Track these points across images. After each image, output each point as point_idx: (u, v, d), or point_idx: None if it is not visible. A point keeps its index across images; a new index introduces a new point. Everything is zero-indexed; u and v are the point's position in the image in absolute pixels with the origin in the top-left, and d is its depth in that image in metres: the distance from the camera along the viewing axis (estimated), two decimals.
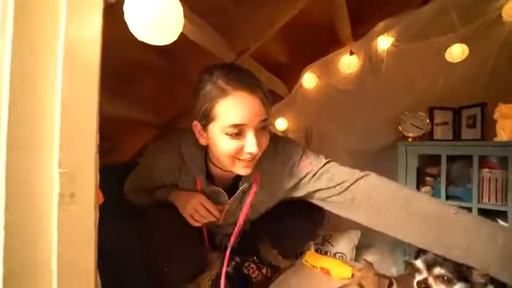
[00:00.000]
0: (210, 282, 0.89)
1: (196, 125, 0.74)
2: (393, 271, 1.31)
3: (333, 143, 1.62)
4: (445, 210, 0.63)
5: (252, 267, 1.13)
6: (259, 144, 0.68)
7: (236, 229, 0.88)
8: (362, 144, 1.58)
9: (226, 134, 0.67)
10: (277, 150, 0.83)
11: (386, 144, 1.55)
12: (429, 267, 0.56)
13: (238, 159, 0.71)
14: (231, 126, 0.66)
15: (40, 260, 0.37)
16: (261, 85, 0.69)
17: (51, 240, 0.41)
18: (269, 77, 1.48)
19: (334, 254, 1.41)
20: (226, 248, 1.13)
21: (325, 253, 1.41)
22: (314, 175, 0.79)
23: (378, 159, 1.57)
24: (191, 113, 0.89)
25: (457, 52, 1.32)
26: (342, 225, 1.51)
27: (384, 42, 1.43)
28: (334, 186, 0.76)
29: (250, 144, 0.67)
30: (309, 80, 1.59)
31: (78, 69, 0.43)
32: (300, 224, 1.03)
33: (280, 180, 0.83)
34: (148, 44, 0.52)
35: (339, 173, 0.77)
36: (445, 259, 0.55)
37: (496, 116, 1.29)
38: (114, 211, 0.93)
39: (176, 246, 0.82)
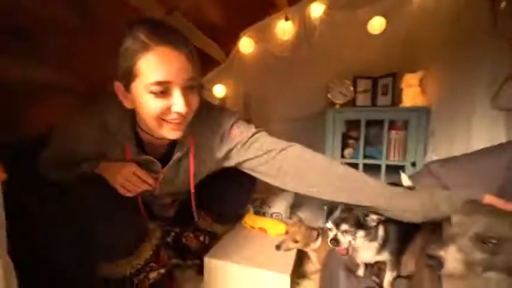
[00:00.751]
0: (151, 253, 0.87)
1: (119, 86, 0.68)
2: (320, 224, 1.51)
3: (270, 109, 1.69)
4: (360, 175, 0.74)
5: (190, 236, 1.14)
6: (187, 104, 0.65)
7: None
8: (296, 111, 1.68)
9: (151, 92, 0.62)
10: (209, 118, 0.81)
11: (317, 111, 1.68)
12: (337, 225, 0.67)
13: (166, 121, 0.67)
14: (155, 84, 0.61)
15: None
16: (187, 42, 0.64)
17: None
18: (204, 40, 1.41)
19: (271, 214, 1.52)
20: (165, 218, 1.10)
21: (263, 214, 1.51)
22: (244, 144, 0.79)
23: (309, 125, 1.71)
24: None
25: (377, 24, 1.44)
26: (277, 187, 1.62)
27: (316, 9, 1.47)
28: (261, 155, 0.78)
29: (178, 103, 0.64)
30: (246, 44, 1.56)
31: None
32: (231, 191, 1.04)
33: (212, 149, 0.82)
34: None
35: (267, 142, 0.79)
36: (347, 216, 0.66)
37: (402, 85, 1.51)
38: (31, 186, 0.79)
39: (112, 218, 0.77)
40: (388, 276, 0.69)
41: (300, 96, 1.64)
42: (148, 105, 0.64)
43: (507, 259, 0.42)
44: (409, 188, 0.85)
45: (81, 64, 1.10)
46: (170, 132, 0.69)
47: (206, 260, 1.04)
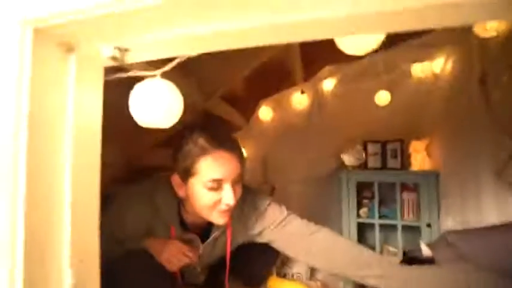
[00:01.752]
0: None
1: (176, 178, 0.79)
2: (341, 285, 1.50)
3: (285, 171, 1.79)
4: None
5: None
6: (235, 196, 0.75)
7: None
8: (310, 172, 1.78)
9: (207, 188, 0.74)
10: (246, 199, 0.89)
11: (329, 173, 1.79)
12: None
13: (216, 210, 0.77)
14: (211, 181, 0.73)
15: None
16: (238, 144, 0.79)
17: None
18: (228, 109, 1.55)
19: (292, 275, 1.53)
20: (195, 284, 1.14)
21: (284, 275, 1.52)
22: (278, 225, 0.88)
23: (324, 187, 1.81)
24: (151, 151, 1.00)
25: (383, 97, 1.62)
26: None
27: (328, 84, 1.68)
28: (292, 236, 0.87)
29: (228, 196, 0.74)
30: (265, 112, 1.74)
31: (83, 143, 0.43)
32: (260, 253, 1.09)
33: (247, 228, 0.91)
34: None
35: (298, 225, 0.88)
36: None
37: (410, 150, 1.64)
38: None
39: (155, 284, 0.83)
40: None
41: (313, 158, 1.75)
42: (203, 197, 0.75)
43: None
44: (428, 258, 0.91)
45: (121, 141, 1.22)
46: (219, 219, 0.79)
47: None
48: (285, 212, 0.90)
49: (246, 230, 0.92)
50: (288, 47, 1.35)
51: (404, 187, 1.64)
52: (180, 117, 1.17)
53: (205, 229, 0.92)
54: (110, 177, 1.19)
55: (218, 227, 0.88)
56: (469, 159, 1.27)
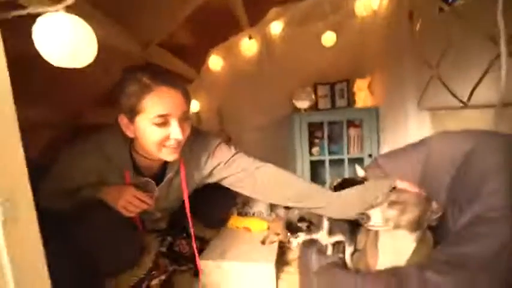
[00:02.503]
0: (151, 263, 1.01)
1: (123, 119, 0.81)
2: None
3: (242, 119, 1.86)
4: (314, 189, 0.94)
5: (182, 244, 1.26)
6: (183, 132, 0.80)
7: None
8: (265, 119, 1.87)
9: (154, 124, 0.77)
10: (196, 141, 0.95)
11: (283, 116, 1.88)
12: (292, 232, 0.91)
13: (165, 146, 0.81)
14: (157, 117, 0.76)
15: None
16: (180, 82, 0.82)
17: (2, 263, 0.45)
18: (176, 62, 1.51)
19: (253, 214, 1.70)
20: (158, 230, 1.23)
21: (246, 214, 1.68)
22: (225, 164, 0.95)
23: (279, 130, 1.92)
24: (92, 110, 1.00)
25: (329, 38, 1.66)
26: None
27: (276, 27, 1.67)
28: (239, 172, 0.94)
29: (176, 131, 0.78)
30: (215, 62, 1.71)
31: None
32: (219, 197, 1.19)
33: (199, 168, 0.97)
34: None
35: (244, 162, 0.95)
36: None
37: (354, 89, 1.76)
38: None
39: (116, 237, 0.88)
40: (347, 250, 0.90)
41: (267, 105, 1.83)
42: (151, 134, 0.78)
43: (408, 219, 0.64)
44: (363, 178, 1.07)
45: (59, 98, 1.13)
46: (168, 156, 0.83)
47: (202, 262, 1.18)
48: (233, 151, 0.97)
49: (199, 170, 0.97)
50: None
51: (350, 124, 1.79)
52: (119, 70, 1.12)
53: (159, 174, 0.96)
54: (52, 138, 1.19)
55: (172, 167, 0.93)
56: (400, 92, 1.41)
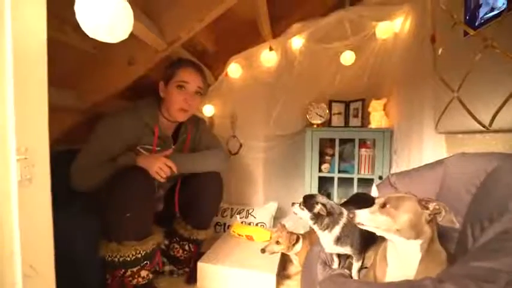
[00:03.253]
0: (153, 247, 1.07)
1: (161, 84, 1.23)
2: (301, 231, 1.67)
3: (254, 128, 1.87)
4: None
5: (176, 248, 1.29)
6: (192, 102, 1.22)
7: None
8: (277, 129, 1.87)
9: (176, 86, 1.19)
10: (205, 132, 1.41)
11: (296, 130, 1.89)
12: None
13: (180, 107, 1.20)
14: (179, 81, 1.19)
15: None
16: (203, 69, 1.28)
17: (12, 221, 0.45)
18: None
19: (257, 224, 1.67)
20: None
21: (249, 224, 1.65)
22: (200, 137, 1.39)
23: (291, 143, 1.92)
24: (111, 100, 1.26)
25: (348, 57, 1.69)
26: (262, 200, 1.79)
27: (296, 42, 1.70)
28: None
29: (189, 96, 1.21)
30: (234, 69, 1.74)
31: (26, 59, 0.46)
32: (205, 200, 1.28)
33: (194, 139, 1.38)
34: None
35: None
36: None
37: (369, 109, 1.76)
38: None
39: (148, 199, 1.06)
40: (355, 266, 0.86)
41: (281, 117, 1.83)
42: (173, 93, 1.19)
43: (401, 223, 0.62)
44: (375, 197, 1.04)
45: (85, 86, 1.22)
46: (181, 115, 1.22)
47: (200, 264, 1.16)
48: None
49: (194, 140, 1.38)
50: (253, 1, 1.34)
51: (362, 144, 1.78)
52: (143, 64, 1.16)
53: (174, 137, 1.30)
54: (73, 119, 1.27)
55: (182, 135, 1.31)
56: (417, 115, 1.40)
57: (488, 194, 0.64)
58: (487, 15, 0.95)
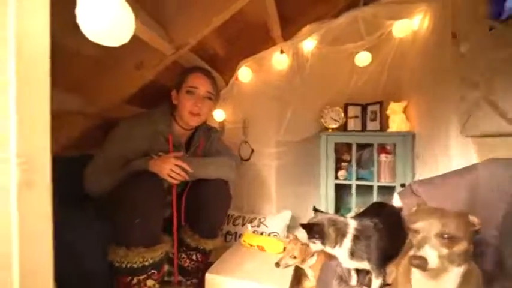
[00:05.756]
0: (161, 255, 1.08)
1: (174, 92, 1.33)
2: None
3: (267, 133, 1.84)
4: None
5: (183, 258, 1.28)
6: (202, 106, 1.29)
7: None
8: (290, 135, 1.83)
9: (187, 91, 1.27)
10: (217, 141, 1.47)
11: (310, 135, 1.85)
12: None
13: (191, 113, 1.27)
14: (189, 86, 1.28)
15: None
16: (213, 76, 1.38)
17: (10, 228, 0.45)
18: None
19: (269, 234, 1.63)
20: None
21: (261, 233, 1.62)
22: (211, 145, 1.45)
23: (305, 148, 1.88)
24: (120, 106, 1.30)
25: (363, 58, 1.64)
26: (274, 208, 1.76)
27: (308, 44, 1.67)
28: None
29: (199, 100, 1.29)
30: (245, 73, 1.73)
31: (28, 62, 0.46)
32: (212, 209, 1.27)
33: (205, 146, 1.43)
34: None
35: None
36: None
37: (388, 112, 1.69)
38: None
39: (158, 205, 1.09)
40: (374, 283, 0.81)
41: (294, 121, 1.79)
42: (184, 99, 1.27)
43: (459, 252, 0.55)
44: (399, 208, 0.99)
45: (95, 90, 1.23)
46: (194, 120, 1.29)
47: (208, 276, 1.13)
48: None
49: (205, 147, 1.42)
50: (262, 3, 1.34)
51: (381, 149, 1.71)
52: (151, 69, 1.16)
53: (187, 145, 1.37)
54: (81, 124, 1.29)
55: (195, 142, 1.37)
56: (441, 117, 1.33)
57: None
58: None
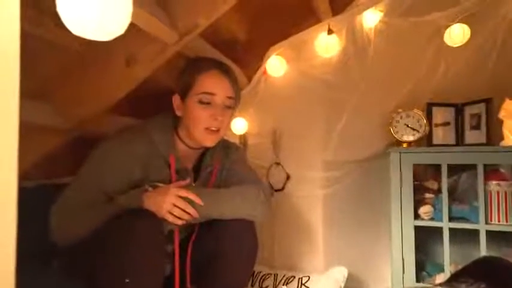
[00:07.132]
0: None
1: (176, 99, 1.19)
2: None
3: (308, 151, 1.75)
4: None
5: None
6: (223, 118, 1.17)
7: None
8: (344, 153, 1.71)
9: (199, 101, 1.13)
10: (227, 153, 1.35)
11: (374, 151, 1.70)
12: None
13: (207, 129, 1.15)
14: (203, 93, 1.14)
15: None
16: (232, 72, 1.23)
17: None
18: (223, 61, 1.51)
19: None
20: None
21: None
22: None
23: (365, 171, 1.74)
24: (108, 111, 1.27)
25: (457, 33, 1.46)
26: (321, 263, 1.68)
27: (371, 18, 1.56)
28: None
29: (218, 111, 1.15)
30: (276, 65, 1.63)
31: None
32: (227, 261, 1.17)
33: (222, 171, 1.34)
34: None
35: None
36: None
37: (501, 114, 1.45)
38: None
39: (155, 257, 1.01)
40: None
41: (348, 133, 1.68)
42: (196, 110, 1.14)
43: None
44: None
45: (64, 95, 1.24)
46: (209, 140, 1.17)
47: None
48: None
49: (222, 172, 1.33)
50: None
51: (491, 173, 1.49)
52: (146, 64, 1.23)
53: (195, 169, 1.26)
54: (49, 143, 1.28)
55: (205, 165, 1.27)
56: None
57: None
58: None
